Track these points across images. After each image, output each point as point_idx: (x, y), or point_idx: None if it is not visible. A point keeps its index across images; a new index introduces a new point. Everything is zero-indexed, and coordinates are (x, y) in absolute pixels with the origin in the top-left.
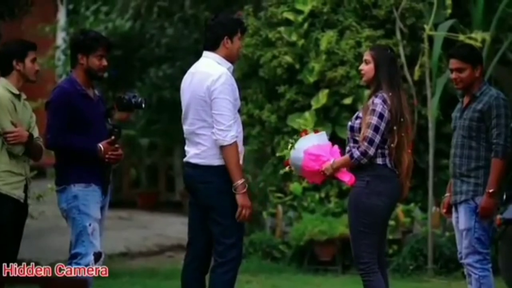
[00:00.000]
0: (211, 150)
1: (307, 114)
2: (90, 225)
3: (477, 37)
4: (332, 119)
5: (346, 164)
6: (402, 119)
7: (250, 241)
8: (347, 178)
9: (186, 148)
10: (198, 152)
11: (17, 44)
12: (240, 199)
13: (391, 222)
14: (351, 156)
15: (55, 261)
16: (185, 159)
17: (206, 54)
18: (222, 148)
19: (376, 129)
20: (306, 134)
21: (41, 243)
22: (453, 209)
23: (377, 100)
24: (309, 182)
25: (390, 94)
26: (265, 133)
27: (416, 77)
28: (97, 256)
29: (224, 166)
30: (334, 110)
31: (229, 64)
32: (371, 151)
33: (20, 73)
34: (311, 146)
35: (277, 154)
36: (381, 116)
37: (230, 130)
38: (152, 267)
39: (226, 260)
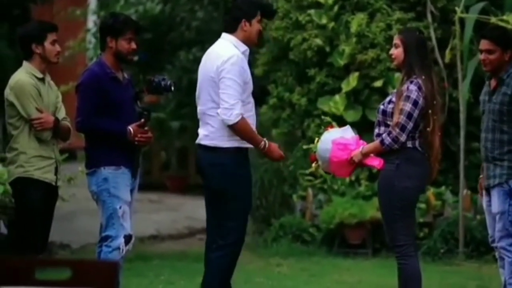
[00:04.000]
0: (219, 131)
1: (337, 97)
2: (120, 207)
3: (509, 20)
4: (362, 102)
5: (377, 150)
6: (435, 102)
7: (280, 224)
8: (376, 162)
9: (199, 129)
10: (207, 133)
11: (35, 26)
12: (269, 155)
13: (422, 205)
14: (382, 142)
15: (86, 244)
16: (196, 141)
17: (224, 36)
18: (230, 127)
19: (409, 116)
20: (332, 128)
21: (72, 225)
22: (485, 193)
23: (412, 87)
24: (336, 176)
25: (423, 77)
26: (295, 116)
27: (447, 60)
28: (128, 239)
29: (233, 148)
30: (364, 93)
31: (245, 47)
32: (403, 138)
33: (41, 56)
34: (338, 137)
35: (304, 147)
36: (415, 103)
37: (234, 108)
38: (182, 249)
39: (225, 243)
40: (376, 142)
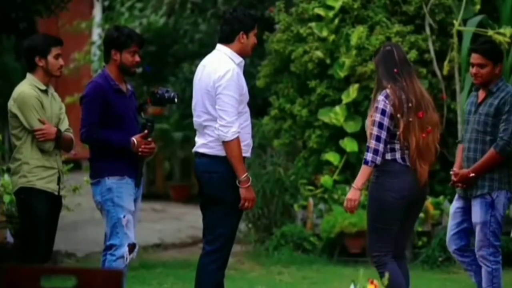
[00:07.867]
0: (218, 141)
1: (337, 108)
2: (124, 216)
3: (506, 33)
4: (362, 113)
5: (365, 173)
6: (410, 104)
7: (281, 233)
8: None
9: (196, 138)
10: (206, 142)
11: (39, 40)
12: (244, 192)
13: (421, 215)
14: (365, 162)
15: (91, 252)
16: (193, 149)
17: (218, 47)
18: (223, 143)
19: (380, 125)
20: None
21: (77, 234)
22: (456, 197)
23: (380, 97)
24: None
25: (390, 86)
26: (296, 127)
27: (445, 72)
28: (131, 247)
29: None
30: (364, 104)
31: (240, 59)
32: (381, 148)
33: (44, 69)
34: None
35: None
36: (383, 112)
37: (232, 126)
38: (185, 258)
39: (213, 249)
40: (362, 167)
